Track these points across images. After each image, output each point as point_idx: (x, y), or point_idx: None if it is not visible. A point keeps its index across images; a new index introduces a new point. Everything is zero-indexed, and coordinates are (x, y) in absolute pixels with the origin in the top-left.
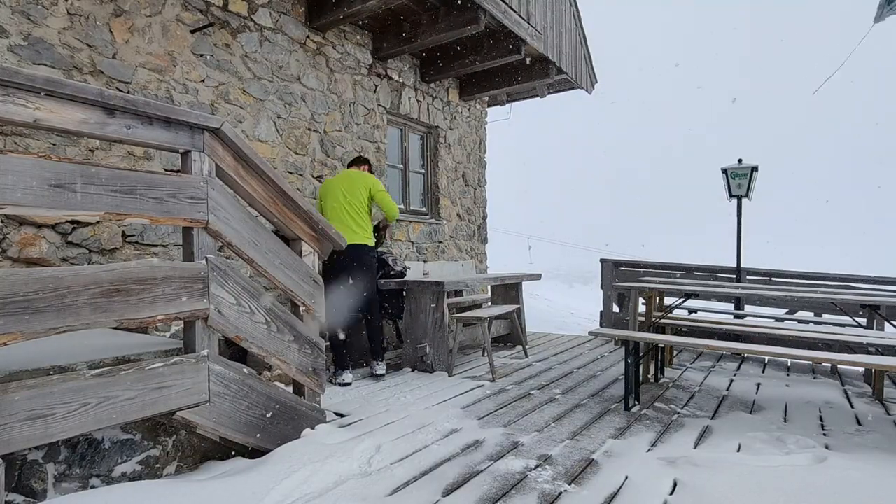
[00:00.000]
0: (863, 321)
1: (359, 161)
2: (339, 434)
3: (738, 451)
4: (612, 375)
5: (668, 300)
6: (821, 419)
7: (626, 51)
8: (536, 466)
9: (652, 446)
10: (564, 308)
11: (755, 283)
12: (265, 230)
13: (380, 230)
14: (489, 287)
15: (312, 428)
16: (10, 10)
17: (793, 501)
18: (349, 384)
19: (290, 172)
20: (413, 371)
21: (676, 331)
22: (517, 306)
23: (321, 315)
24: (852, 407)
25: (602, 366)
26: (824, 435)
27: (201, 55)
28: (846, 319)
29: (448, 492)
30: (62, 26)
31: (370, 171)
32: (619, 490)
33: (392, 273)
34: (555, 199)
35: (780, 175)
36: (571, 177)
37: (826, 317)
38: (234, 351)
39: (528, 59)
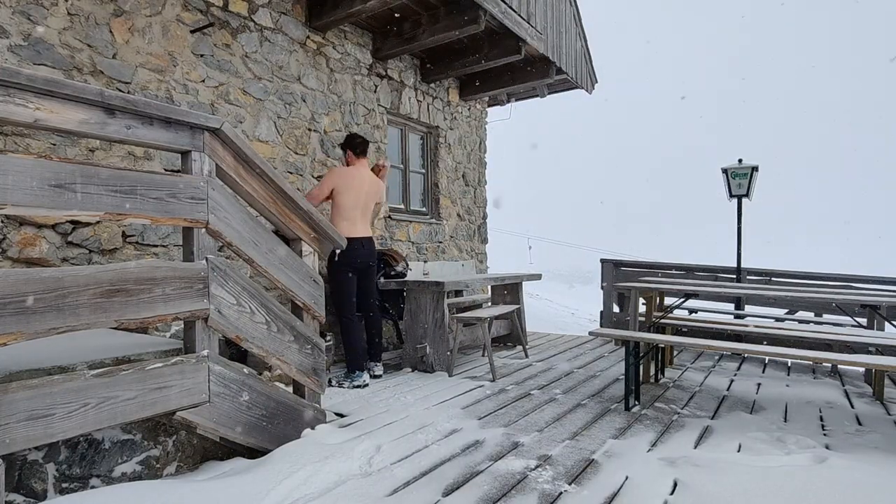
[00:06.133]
0: (863, 321)
1: (365, 149)
2: (340, 434)
3: (739, 451)
4: (612, 375)
5: (668, 300)
6: (821, 419)
7: (625, 50)
8: (537, 466)
9: (652, 446)
10: (564, 308)
11: (755, 283)
12: (265, 230)
13: None
14: (489, 287)
15: (312, 428)
16: (11, 10)
17: (793, 501)
18: (368, 385)
19: (290, 172)
20: (413, 371)
21: (677, 331)
22: (517, 306)
23: (321, 315)
24: (852, 407)
25: (602, 366)
26: (825, 435)
27: (201, 55)
28: (846, 319)
29: (448, 492)
30: (62, 26)
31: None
32: (619, 490)
33: (392, 273)
34: (554, 199)
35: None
36: (572, 176)
37: (826, 317)
38: (234, 351)
39: (528, 59)
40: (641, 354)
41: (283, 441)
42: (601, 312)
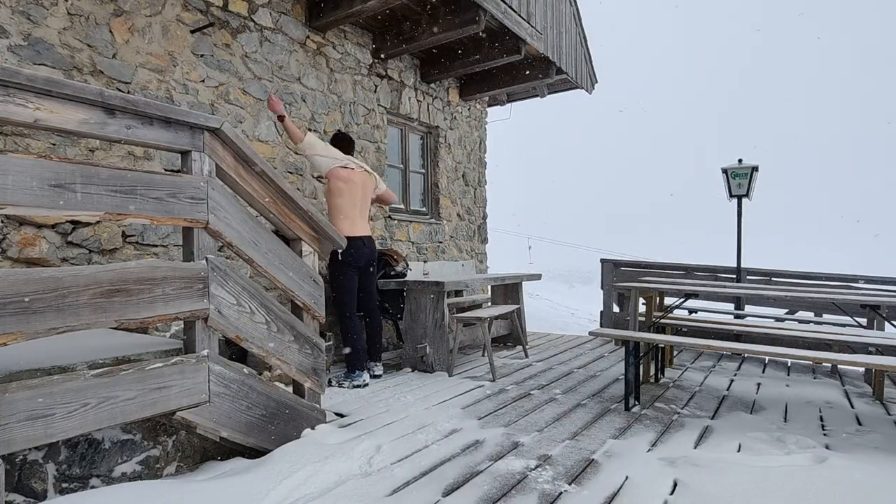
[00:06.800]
0: (863, 321)
1: (350, 150)
2: (340, 434)
3: (739, 451)
4: (612, 375)
5: (668, 300)
6: (821, 419)
7: (624, 50)
8: (536, 466)
9: (652, 446)
10: (564, 308)
11: (755, 283)
12: (265, 230)
13: None
14: (489, 287)
15: (312, 428)
16: (10, 10)
17: (793, 502)
18: (367, 385)
19: (290, 172)
20: (413, 371)
21: (677, 331)
22: (517, 306)
23: (321, 315)
24: (852, 407)
25: (602, 366)
26: (824, 435)
27: (201, 55)
28: (846, 319)
29: (448, 492)
30: (62, 26)
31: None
32: (619, 490)
33: (392, 273)
34: (555, 199)
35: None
36: (572, 175)
37: (826, 317)
38: (234, 351)
39: (528, 59)
40: (641, 354)
41: (283, 441)
42: (601, 312)
